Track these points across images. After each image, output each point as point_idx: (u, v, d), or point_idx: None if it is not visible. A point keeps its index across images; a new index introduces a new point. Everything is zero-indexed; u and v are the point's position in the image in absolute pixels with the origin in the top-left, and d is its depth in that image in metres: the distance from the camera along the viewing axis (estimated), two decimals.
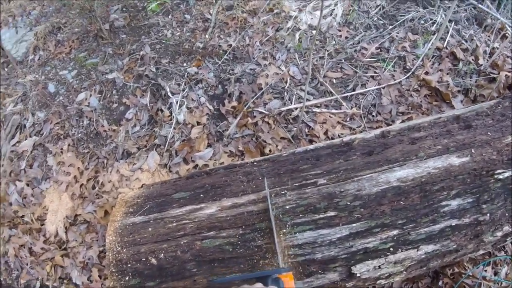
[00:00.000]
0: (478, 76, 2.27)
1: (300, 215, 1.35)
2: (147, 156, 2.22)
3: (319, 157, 1.53)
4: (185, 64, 2.57)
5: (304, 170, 1.49)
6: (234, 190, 1.49)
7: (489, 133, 1.52)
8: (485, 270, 1.80)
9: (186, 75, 2.48)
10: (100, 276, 2.07)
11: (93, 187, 2.26)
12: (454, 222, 1.37)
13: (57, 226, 2.24)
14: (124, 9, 3.02)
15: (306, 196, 1.38)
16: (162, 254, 1.41)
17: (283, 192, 1.40)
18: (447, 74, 2.27)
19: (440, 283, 1.79)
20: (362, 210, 1.34)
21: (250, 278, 1.00)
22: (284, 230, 1.33)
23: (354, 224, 1.33)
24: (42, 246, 2.21)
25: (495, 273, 1.81)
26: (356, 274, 1.32)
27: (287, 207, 1.36)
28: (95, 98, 2.56)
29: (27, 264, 2.20)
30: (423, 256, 1.38)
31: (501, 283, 1.77)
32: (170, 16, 2.89)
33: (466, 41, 2.42)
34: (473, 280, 1.76)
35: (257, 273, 1.19)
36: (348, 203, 1.34)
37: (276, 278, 0.97)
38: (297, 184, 1.43)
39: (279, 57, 2.48)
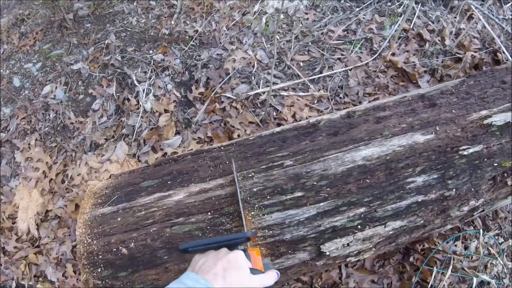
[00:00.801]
0: (444, 57, 2.31)
1: (268, 197, 1.35)
2: (115, 147, 2.19)
3: (285, 139, 1.53)
4: (151, 52, 2.53)
5: (271, 152, 1.49)
6: (202, 175, 1.47)
7: (453, 110, 1.54)
8: (455, 245, 1.85)
9: (152, 63, 2.45)
10: (74, 271, 2.04)
11: (63, 181, 2.21)
12: (420, 198, 1.39)
13: (29, 223, 2.20)
14: None
15: (273, 178, 1.37)
16: (133, 243, 1.38)
17: (250, 175, 1.40)
18: (414, 55, 2.30)
19: (411, 259, 1.84)
20: (329, 189, 1.35)
21: (216, 244, 0.97)
22: (253, 213, 1.33)
23: (322, 204, 1.34)
24: (15, 245, 2.16)
25: (465, 248, 1.86)
26: (325, 252, 1.34)
27: (255, 189, 1.36)
28: (60, 90, 2.49)
29: (1, 265, 2.15)
30: (391, 232, 1.41)
31: (472, 257, 1.82)
32: (135, 3, 2.83)
33: (433, 22, 2.46)
34: (444, 255, 1.81)
35: (223, 237, 1.16)
36: (315, 183, 1.35)
37: (243, 250, 0.96)
38: (264, 167, 1.42)
39: (246, 41, 2.46)
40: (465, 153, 1.42)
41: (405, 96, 1.66)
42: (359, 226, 1.36)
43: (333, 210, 1.34)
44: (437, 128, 1.47)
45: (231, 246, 0.95)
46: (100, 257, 1.40)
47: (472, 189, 1.46)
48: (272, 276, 0.92)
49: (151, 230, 1.38)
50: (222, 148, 1.58)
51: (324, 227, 1.34)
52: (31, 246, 2.16)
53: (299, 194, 1.34)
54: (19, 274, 2.11)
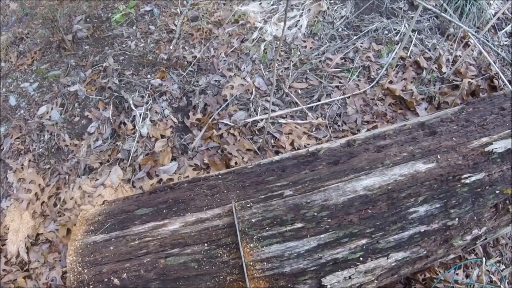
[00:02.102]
0: (441, 84, 2.33)
1: (267, 228, 1.31)
2: (110, 171, 2.16)
3: (284, 168, 1.51)
4: (149, 76, 2.53)
5: (269, 181, 1.47)
6: (198, 204, 1.44)
7: (454, 138, 1.54)
8: (457, 274, 1.82)
9: (149, 87, 2.45)
10: None
11: (55, 205, 2.17)
12: (422, 228, 1.37)
13: (19, 246, 2.14)
14: (87, 19, 2.95)
15: (272, 208, 1.34)
16: (125, 274, 1.34)
17: (249, 205, 1.37)
18: (411, 82, 2.33)
19: None
20: (330, 220, 1.32)
21: None
22: (251, 244, 1.29)
23: (322, 235, 1.31)
24: (4, 268, 2.10)
25: (467, 276, 1.84)
26: (326, 285, 1.30)
27: (253, 220, 1.33)
28: (56, 111, 2.47)
29: None
30: (393, 264, 1.38)
31: (473, 286, 1.79)
32: (134, 27, 2.85)
33: (429, 50, 2.49)
34: (445, 284, 1.78)
35: None
36: (315, 213, 1.32)
37: None
38: (263, 197, 1.40)
39: (244, 68, 2.48)
40: (467, 181, 1.41)
41: (405, 125, 1.65)
42: (361, 258, 1.32)
43: (334, 242, 1.31)
44: (439, 157, 1.46)
45: None
46: (91, 287, 1.35)
47: (475, 218, 1.44)
48: None
49: (145, 261, 1.34)
50: (219, 176, 1.56)
51: (325, 260, 1.30)
52: (20, 270, 2.09)
53: (299, 225, 1.31)
54: None
